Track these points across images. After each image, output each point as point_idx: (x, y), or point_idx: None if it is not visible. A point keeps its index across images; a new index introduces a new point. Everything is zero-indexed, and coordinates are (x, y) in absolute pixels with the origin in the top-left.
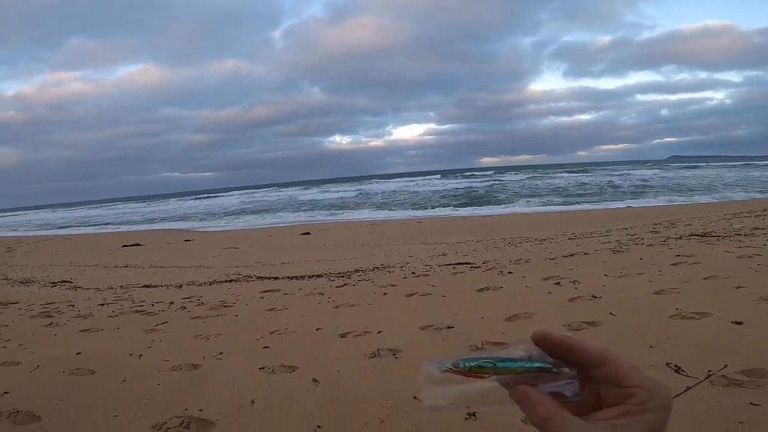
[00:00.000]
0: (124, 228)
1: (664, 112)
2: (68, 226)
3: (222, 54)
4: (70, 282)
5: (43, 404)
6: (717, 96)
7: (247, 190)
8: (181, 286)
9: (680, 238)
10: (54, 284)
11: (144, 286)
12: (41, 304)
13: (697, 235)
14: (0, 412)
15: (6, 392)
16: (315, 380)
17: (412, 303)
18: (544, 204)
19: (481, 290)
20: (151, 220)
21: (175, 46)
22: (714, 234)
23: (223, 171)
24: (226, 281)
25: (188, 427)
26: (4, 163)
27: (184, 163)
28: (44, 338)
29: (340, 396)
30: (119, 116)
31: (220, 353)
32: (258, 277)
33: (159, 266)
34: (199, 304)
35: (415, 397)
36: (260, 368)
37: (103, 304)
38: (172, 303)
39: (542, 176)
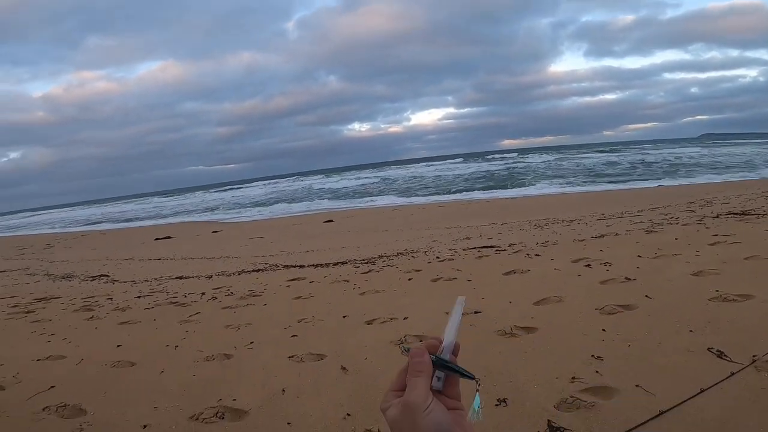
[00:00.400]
0: (155, 221)
1: (694, 90)
2: (103, 222)
3: (238, 47)
4: (107, 276)
5: (88, 397)
6: (750, 74)
7: (270, 180)
8: (211, 276)
9: (717, 216)
10: (93, 278)
11: (177, 278)
12: (82, 298)
13: (736, 214)
14: (48, 406)
15: (52, 386)
16: (343, 368)
17: (438, 288)
18: (571, 185)
19: (507, 273)
20: (180, 213)
21: (191, 41)
22: (754, 212)
23: (247, 162)
24: (253, 271)
25: (223, 417)
26: (38, 162)
27: (209, 156)
28: (86, 332)
29: (368, 383)
30: (144, 113)
31: (251, 342)
32: (284, 266)
33: (190, 258)
34: (228, 294)
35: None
36: (289, 357)
37: (139, 297)
38: (203, 293)
39: (567, 157)
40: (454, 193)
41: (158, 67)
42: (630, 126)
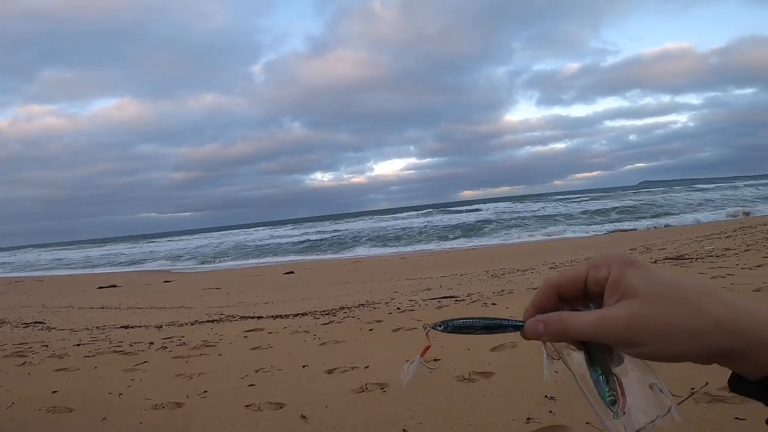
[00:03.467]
0: (100, 269)
1: (632, 137)
2: (41, 268)
3: (201, 88)
4: (43, 323)
5: None
6: (680, 119)
7: (227, 231)
8: (161, 326)
9: (656, 262)
10: (26, 325)
11: (122, 327)
12: (13, 344)
13: (672, 259)
14: None
15: None
16: (303, 416)
17: (399, 338)
18: (524, 234)
19: None
20: (128, 262)
21: (152, 79)
22: (687, 257)
23: (204, 210)
24: (208, 321)
25: None
26: None
27: (163, 203)
28: (18, 377)
29: (329, 431)
30: (95, 153)
31: (204, 391)
32: (241, 317)
33: (137, 307)
34: (180, 344)
35: (404, 429)
36: (246, 406)
37: (79, 345)
38: (152, 343)
39: (521, 207)
40: (415, 244)
41: (114, 105)
42: (577, 175)
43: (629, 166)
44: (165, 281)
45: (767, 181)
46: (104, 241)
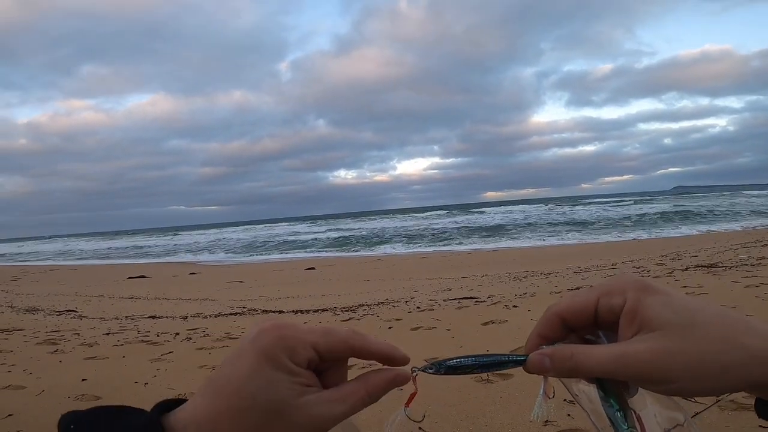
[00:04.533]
0: (130, 260)
1: (667, 141)
2: (75, 257)
3: (230, 85)
4: (75, 311)
5: (46, 428)
6: (719, 123)
7: (252, 225)
8: (186, 317)
9: (687, 269)
10: (59, 313)
11: (149, 317)
12: (46, 332)
13: (704, 266)
14: None
15: (10, 414)
16: None
17: (417, 336)
18: (549, 237)
19: (486, 324)
20: (157, 254)
21: (184, 75)
22: (721, 264)
23: (230, 205)
24: (231, 314)
25: None
26: (14, 192)
27: (191, 197)
28: (49, 364)
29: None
30: (129, 148)
31: None
32: (263, 311)
33: (164, 298)
34: (204, 336)
35: (420, 428)
36: None
37: (108, 334)
38: (177, 334)
39: (546, 209)
40: (438, 244)
41: (149, 101)
42: (607, 179)
43: (662, 171)
44: (191, 273)
45: None
46: (135, 232)
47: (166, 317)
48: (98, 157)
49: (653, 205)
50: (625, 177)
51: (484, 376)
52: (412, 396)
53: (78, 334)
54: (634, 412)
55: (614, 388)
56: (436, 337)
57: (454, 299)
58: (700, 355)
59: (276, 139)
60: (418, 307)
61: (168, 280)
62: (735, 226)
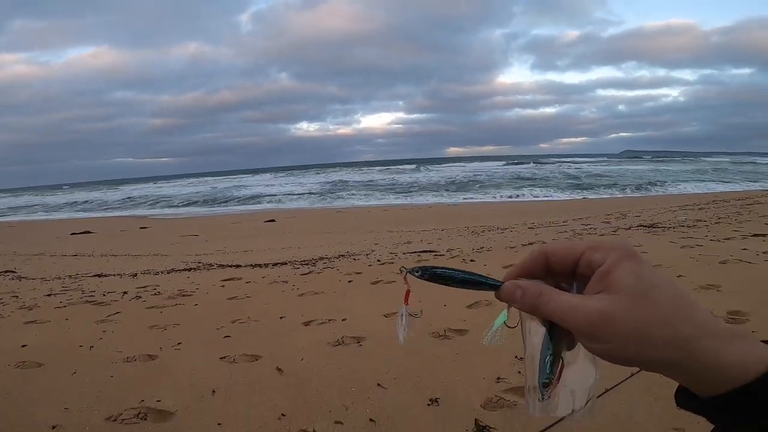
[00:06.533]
0: (72, 214)
1: (621, 107)
2: (12, 213)
3: (184, 37)
4: (13, 272)
5: None
6: (672, 93)
7: (210, 177)
8: (135, 275)
9: (629, 228)
10: None
11: (95, 276)
12: None
13: (645, 226)
14: None
15: None
16: (278, 369)
17: (377, 290)
18: (506, 194)
19: None
20: (103, 207)
21: (132, 27)
22: (660, 225)
23: (184, 156)
24: (184, 270)
25: (145, 418)
26: None
27: (140, 148)
28: None
29: (303, 384)
30: (69, 100)
31: (179, 343)
32: (219, 265)
33: (111, 255)
34: (155, 294)
35: (378, 384)
36: (221, 358)
37: (50, 295)
38: (125, 293)
39: (507, 167)
40: (398, 197)
41: (90, 53)
42: (563, 139)
43: (614, 135)
44: (141, 227)
45: (749, 157)
46: (78, 185)
47: (114, 275)
48: (34, 109)
49: (604, 167)
50: (580, 139)
51: (441, 332)
52: (408, 293)
53: (17, 296)
54: (562, 362)
55: (559, 336)
56: (396, 290)
57: (414, 252)
58: (636, 323)
59: (235, 91)
60: (378, 260)
61: (116, 235)
62: (676, 189)
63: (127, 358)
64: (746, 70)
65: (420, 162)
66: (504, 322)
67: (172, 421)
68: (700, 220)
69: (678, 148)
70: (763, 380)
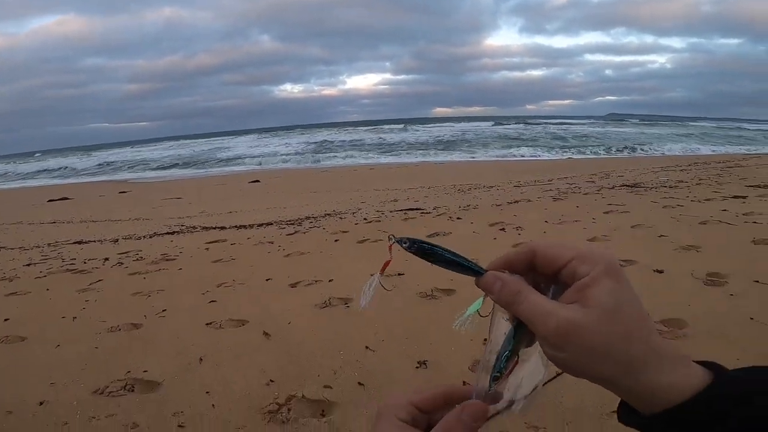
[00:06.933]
0: (49, 181)
1: (608, 72)
2: None
3: (158, 2)
4: None
5: None
6: (659, 60)
7: (192, 139)
8: (116, 240)
9: (613, 188)
10: None
11: (75, 243)
12: None
13: (628, 186)
14: None
15: None
16: (266, 334)
17: (364, 250)
18: (494, 153)
19: (431, 236)
20: (80, 173)
21: None
22: (643, 185)
23: (163, 120)
24: (167, 233)
25: (132, 389)
26: None
27: (116, 114)
28: None
29: (291, 349)
30: (36, 67)
31: (163, 310)
32: (203, 228)
33: (91, 220)
34: (137, 259)
35: (367, 347)
36: (207, 324)
37: (29, 265)
38: (107, 259)
39: (494, 127)
40: (384, 156)
41: (55, 21)
42: (550, 102)
43: (600, 98)
44: (121, 192)
45: (736, 123)
46: (51, 152)
47: (94, 241)
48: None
49: (589, 128)
50: (567, 101)
51: (428, 291)
52: (386, 264)
53: None
54: (517, 359)
55: (522, 335)
56: (383, 249)
57: (401, 210)
58: (607, 339)
59: (214, 54)
60: (365, 219)
61: (94, 200)
62: (659, 150)
63: (111, 327)
64: (735, 41)
65: (407, 122)
66: (477, 311)
67: (160, 391)
68: (682, 181)
69: (662, 113)
70: (696, 400)
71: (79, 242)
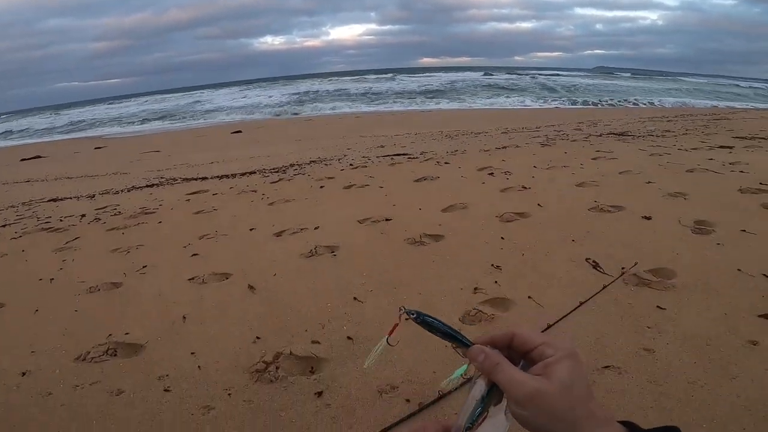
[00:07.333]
0: (20, 141)
1: (599, 26)
2: None
3: None
4: None
5: None
6: (651, 16)
7: (167, 94)
8: (93, 196)
9: (600, 135)
10: None
11: (50, 201)
12: None
13: (616, 134)
14: None
15: None
16: (251, 287)
17: (350, 195)
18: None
19: (418, 180)
20: (52, 131)
21: None
22: (630, 134)
23: (138, 76)
24: (146, 186)
25: (115, 354)
26: None
27: (85, 72)
28: None
29: (277, 302)
30: None
31: (144, 267)
32: (183, 179)
33: (66, 177)
34: (115, 214)
35: (355, 298)
36: (189, 279)
37: (4, 225)
38: (83, 215)
39: (483, 77)
40: (373, 104)
41: None
42: (539, 54)
43: (588, 51)
44: (96, 148)
45: (724, 79)
46: (19, 113)
47: (70, 198)
48: None
49: (580, 80)
50: (555, 54)
51: (417, 237)
52: (395, 327)
53: None
54: (487, 414)
55: (493, 395)
56: (369, 195)
57: (387, 156)
58: (561, 405)
59: (186, 9)
60: (351, 165)
61: (69, 157)
62: (646, 103)
63: (90, 288)
64: (730, 1)
65: (395, 72)
66: (462, 374)
67: (143, 353)
68: (669, 131)
69: (650, 67)
70: None
71: (55, 200)
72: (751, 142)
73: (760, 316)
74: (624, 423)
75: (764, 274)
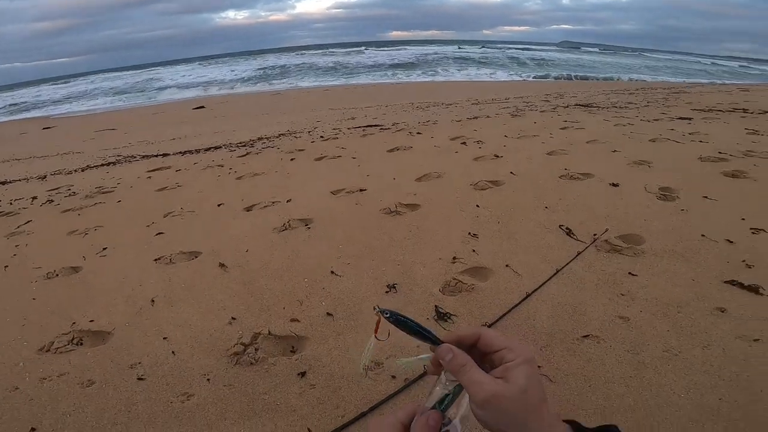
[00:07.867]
0: None
1: (566, 1)
2: None
3: None
4: None
5: None
6: None
7: (121, 71)
8: (44, 177)
9: (567, 107)
10: None
11: None
12: None
13: (582, 105)
14: None
15: None
16: (222, 265)
17: (322, 167)
18: (452, 74)
19: (391, 150)
20: None
21: None
22: (595, 105)
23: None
24: (102, 165)
25: (81, 343)
26: None
27: (28, 53)
28: None
29: (251, 280)
30: None
31: (104, 249)
32: (143, 156)
33: (14, 159)
34: (69, 195)
35: (332, 272)
36: (156, 259)
37: None
38: (35, 198)
39: (453, 50)
40: (342, 78)
41: None
42: (506, 27)
43: (555, 26)
44: (44, 128)
45: (683, 56)
46: None
47: (19, 180)
48: None
49: (549, 53)
50: (523, 28)
51: (392, 207)
52: (378, 324)
53: None
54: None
55: (455, 393)
56: (342, 166)
57: (359, 127)
58: (516, 407)
59: None
60: (321, 137)
61: (14, 139)
62: (610, 76)
63: (48, 273)
64: None
65: (366, 45)
66: (424, 366)
67: (112, 341)
68: (631, 103)
69: (614, 43)
70: None
71: (3, 183)
72: (708, 114)
73: (725, 282)
74: (569, 422)
75: (727, 240)
